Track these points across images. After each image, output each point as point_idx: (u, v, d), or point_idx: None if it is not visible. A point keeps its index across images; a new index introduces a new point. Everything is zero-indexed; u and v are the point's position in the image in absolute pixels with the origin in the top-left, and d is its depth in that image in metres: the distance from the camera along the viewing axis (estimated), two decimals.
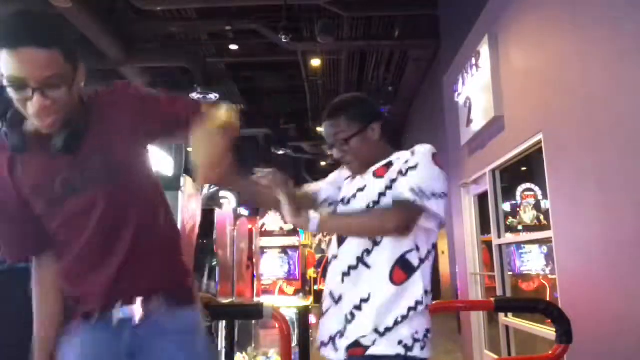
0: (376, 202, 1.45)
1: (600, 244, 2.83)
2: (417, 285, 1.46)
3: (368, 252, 1.42)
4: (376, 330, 1.38)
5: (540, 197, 5.56)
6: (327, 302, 1.50)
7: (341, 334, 1.42)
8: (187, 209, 4.03)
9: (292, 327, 2.28)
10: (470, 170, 5.23)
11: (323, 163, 18.05)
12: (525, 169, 5.18)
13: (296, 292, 8.30)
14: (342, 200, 1.58)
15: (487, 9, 4.63)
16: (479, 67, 4.61)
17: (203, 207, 4.62)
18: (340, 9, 8.59)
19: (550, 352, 1.81)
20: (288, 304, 5.45)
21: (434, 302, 2.08)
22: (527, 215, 5.63)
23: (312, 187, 1.72)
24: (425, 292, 1.49)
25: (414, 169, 1.41)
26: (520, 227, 5.64)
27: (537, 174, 5.10)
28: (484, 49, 4.47)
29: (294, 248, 8.69)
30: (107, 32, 8.65)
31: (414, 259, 1.44)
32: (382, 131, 1.56)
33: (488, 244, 4.98)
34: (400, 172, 1.43)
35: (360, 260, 1.42)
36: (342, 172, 1.72)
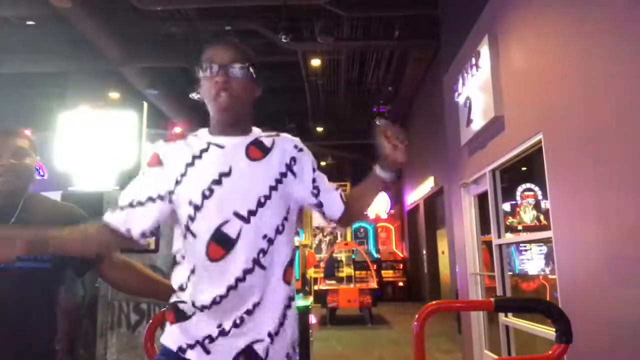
0: (267, 197, 1.33)
1: (600, 244, 2.83)
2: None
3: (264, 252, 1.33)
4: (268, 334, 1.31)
5: (540, 197, 5.55)
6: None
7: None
8: None
9: None
10: (470, 170, 5.23)
11: (323, 163, 18.05)
12: (525, 169, 5.17)
13: (296, 292, 8.30)
14: (204, 195, 1.30)
15: (487, 9, 4.63)
16: (479, 67, 4.61)
17: None
18: (340, 9, 8.60)
19: (550, 352, 1.81)
20: None
21: (434, 302, 2.08)
22: (527, 215, 5.63)
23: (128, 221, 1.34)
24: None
25: (320, 176, 1.47)
26: (520, 227, 5.64)
27: (537, 174, 5.10)
28: (484, 49, 4.47)
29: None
30: (107, 32, 8.66)
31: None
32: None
33: (488, 244, 4.98)
34: (291, 171, 1.40)
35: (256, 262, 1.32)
36: (152, 171, 1.38)
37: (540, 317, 3.25)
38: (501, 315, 4.41)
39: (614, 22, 2.67)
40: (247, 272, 1.28)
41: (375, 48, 10.97)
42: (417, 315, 1.92)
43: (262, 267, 1.30)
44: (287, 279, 1.36)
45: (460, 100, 5.29)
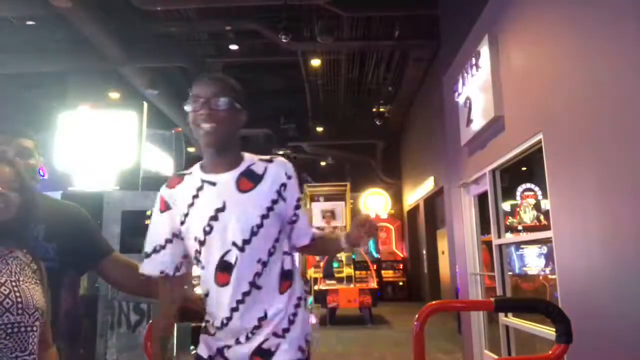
0: (260, 226, 1.44)
1: (600, 244, 2.83)
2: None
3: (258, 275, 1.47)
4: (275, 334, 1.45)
5: (540, 197, 5.55)
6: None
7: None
8: None
9: None
10: (470, 170, 5.23)
11: (323, 163, 18.05)
12: (525, 169, 5.17)
13: None
14: (205, 231, 1.44)
15: (487, 9, 4.63)
16: (479, 67, 4.61)
17: None
18: (340, 9, 8.60)
19: (550, 352, 1.81)
20: None
21: (434, 302, 2.08)
22: (527, 215, 5.62)
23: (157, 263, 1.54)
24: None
25: (300, 207, 1.56)
26: (520, 227, 5.63)
27: (537, 174, 5.09)
28: (484, 49, 4.47)
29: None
30: (107, 32, 8.66)
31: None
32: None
33: (488, 244, 4.98)
34: (281, 197, 1.50)
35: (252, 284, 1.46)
36: (164, 215, 1.52)
37: (540, 317, 3.25)
38: (501, 315, 4.41)
39: (614, 22, 2.67)
40: (246, 294, 1.43)
41: (375, 48, 10.97)
42: (417, 315, 1.92)
43: (258, 288, 1.44)
44: (282, 290, 1.48)
45: (460, 100, 5.29)
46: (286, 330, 1.46)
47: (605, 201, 2.76)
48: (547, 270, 5.34)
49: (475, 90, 4.80)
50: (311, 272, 11.45)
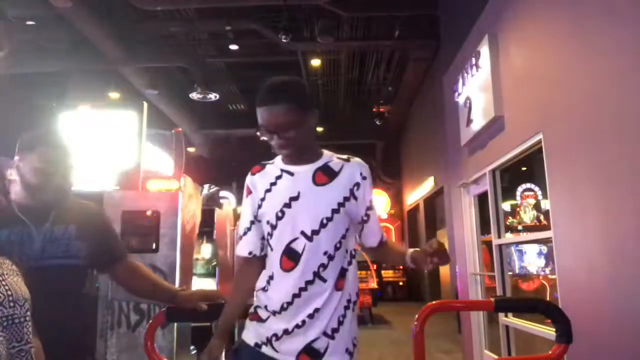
0: (329, 219, 1.50)
1: (600, 244, 2.83)
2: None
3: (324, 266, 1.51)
4: (324, 333, 1.48)
5: (540, 197, 5.55)
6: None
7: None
8: (187, 209, 4.04)
9: None
10: (470, 170, 5.23)
11: None
12: (525, 169, 5.17)
13: None
14: (278, 216, 1.52)
15: (487, 9, 4.63)
16: (479, 67, 4.61)
17: (203, 207, 4.63)
18: (340, 9, 8.60)
19: (550, 352, 1.81)
20: None
21: (434, 302, 2.08)
22: (527, 215, 5.61)
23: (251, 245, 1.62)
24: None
25: (372, 208, 1.61)
26: (520, 227, 5.63)
27: (537, 174, 5.10)
28: (484, 49, 4.47)
29: None
30: (107, 32, 8.66)
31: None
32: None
33: (488, 244, 4.98)
34: (353, 195, 1.54)
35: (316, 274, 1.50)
36: (248, 200, 1.63)
37: (540, 317, 3.25)
38: (501, 315, 4.41)
39: (614, 22, 2.67)
40: (309, 283, 1.49)
41: (375, 48, 10.97)
42: (417, 315, 1.92)
43: (323, 280, 1.49)
44: (338, 287, 1.52)
45: (460, 100, 5.29)
46: (335, 331, 1.49)
47: (605, 201, 2.76)
48: (547, 270, 5.34)
49: (475, 90, 4.80)
50: None
